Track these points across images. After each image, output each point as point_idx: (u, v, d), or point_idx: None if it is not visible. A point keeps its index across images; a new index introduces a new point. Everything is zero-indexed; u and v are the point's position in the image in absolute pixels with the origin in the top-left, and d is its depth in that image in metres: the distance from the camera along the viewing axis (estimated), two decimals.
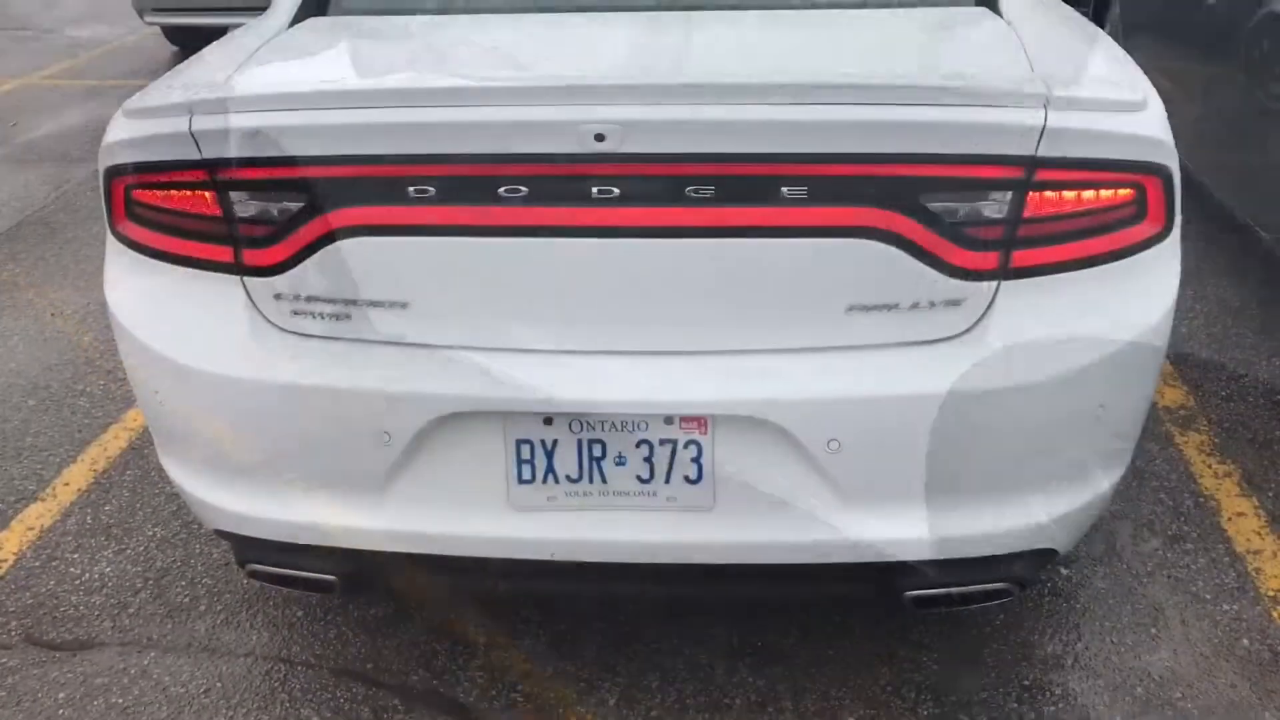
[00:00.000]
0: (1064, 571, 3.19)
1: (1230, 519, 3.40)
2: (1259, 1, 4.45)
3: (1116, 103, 2.19)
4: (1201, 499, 3.49)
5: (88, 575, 3.30)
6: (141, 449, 3.93)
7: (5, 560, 3.38)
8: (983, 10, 2.78)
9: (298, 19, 2.94)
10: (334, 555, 2.43)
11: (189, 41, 9.31)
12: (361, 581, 2.51)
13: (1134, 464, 3.50)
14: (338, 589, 2.49)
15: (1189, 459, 3.69)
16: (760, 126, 2.09)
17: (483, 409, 2.24)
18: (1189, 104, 4.85)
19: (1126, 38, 6.03)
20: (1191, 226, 5.13)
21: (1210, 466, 3.66)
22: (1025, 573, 2.43)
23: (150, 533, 3.49)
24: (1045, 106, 2.10)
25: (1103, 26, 6.66)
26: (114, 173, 2.37)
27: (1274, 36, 4.29)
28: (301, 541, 2.43)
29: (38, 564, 3.36)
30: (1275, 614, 3.01)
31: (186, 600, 3.20)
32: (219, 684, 2.91)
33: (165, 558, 3.37)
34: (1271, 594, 3.09)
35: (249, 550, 2.52)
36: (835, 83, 2.14)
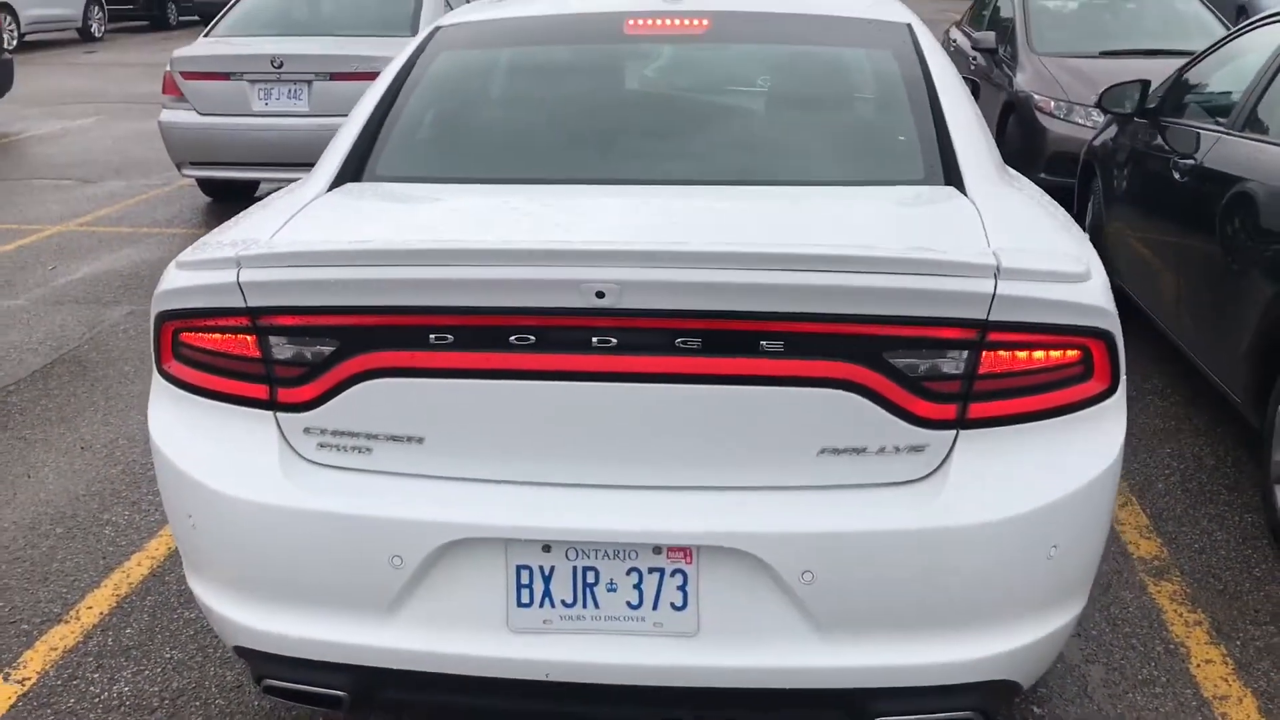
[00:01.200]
0: (1037, 710, 3.33)
1: (1199, 665, 3.56)
2: (1228, 180, 4.79)
3: (1061, 274, 2.46)
4: (1172, 645, 3.65)
5: (106, 694, 3.47)
6: (163, 575, 4.12)
7: (29, 678, 3.55)
8: (950, 189, 3.09)
9: (336, 184, 3.27)
10: (345, 672, 2.62)
11: (220, 193, 9.82)
12: (370, 698, 2.69)
13: (1108, 611, 3.71)
14: (346, 705, 2.67)
15: (1161, 607, 3.86)
16: (743, 289, 2.36)
17: (486, 535, 2.46)
18: (1166, 272, 5.16)
19: (1108, 209, 6.39)
20: (1172, 390, 5.41)
21: (1181, 615, 3.83)
22: (989, 704, 2.59)
23: (168, 655, 3.66)
24: (995, 276, 2.37)
25: (1087, 200, 7.05)
26: (165, 317, 2.65)
27: (1244, 212, 4.61)
28: (315, 658, 2.62)
29: (59, 683, 3.53)
30: None
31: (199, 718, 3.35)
32: None
33: (181, 679, 3.53)
34: None
35: (265, 666, 2.71)
36: (810, 253, 2.42)
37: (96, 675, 3.56)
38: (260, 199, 3.32)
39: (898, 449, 2.44)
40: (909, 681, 2.50)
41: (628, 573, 2.49)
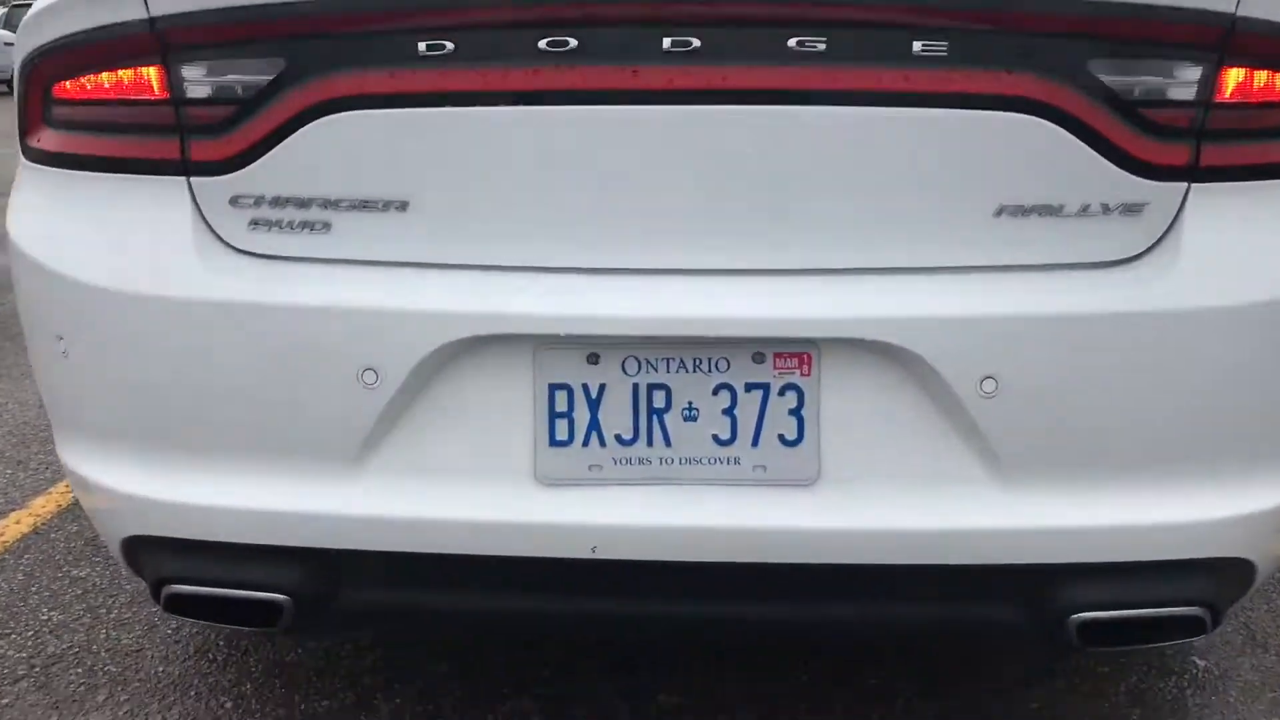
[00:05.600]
0: (1199, 663, 2.54)
1: None
2: None
3: None
4: None
5: None
6: (48, 533, 3.24)
7: None
8: None
9: None
10: (289, 561, 1.77)
11: None
12: (324, 604, 1.82)
13: None
14: (289, 616, 1.80)
15: None
16: None
17: (504, 332, 1.64)
18: None
19: None
20: None
21: None
22: (1219, 596, 1.80)
23: (45, 617, 2.76)
24: None
25: None
26: (34, 61, 1.81)
27: None
28: (244, 541, 1.77)
29: None
30: None
31: (81, 690, 2.46)
32: None
33: (59, 643, 2.64)
34: None
35: (167, 563, 1.84)
36: None
37: None
38: None
39: (1107, 208, 1.67)
40: (1119, 554, 1.71)
41: (714, 391, 1.68)
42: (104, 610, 2.78)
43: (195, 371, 1.73)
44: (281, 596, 1.79)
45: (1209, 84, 1.66)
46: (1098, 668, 2.49)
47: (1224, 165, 1.69)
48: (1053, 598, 1.73)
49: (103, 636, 2.67)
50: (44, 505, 3.43)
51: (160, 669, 2.53)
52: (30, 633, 2.69)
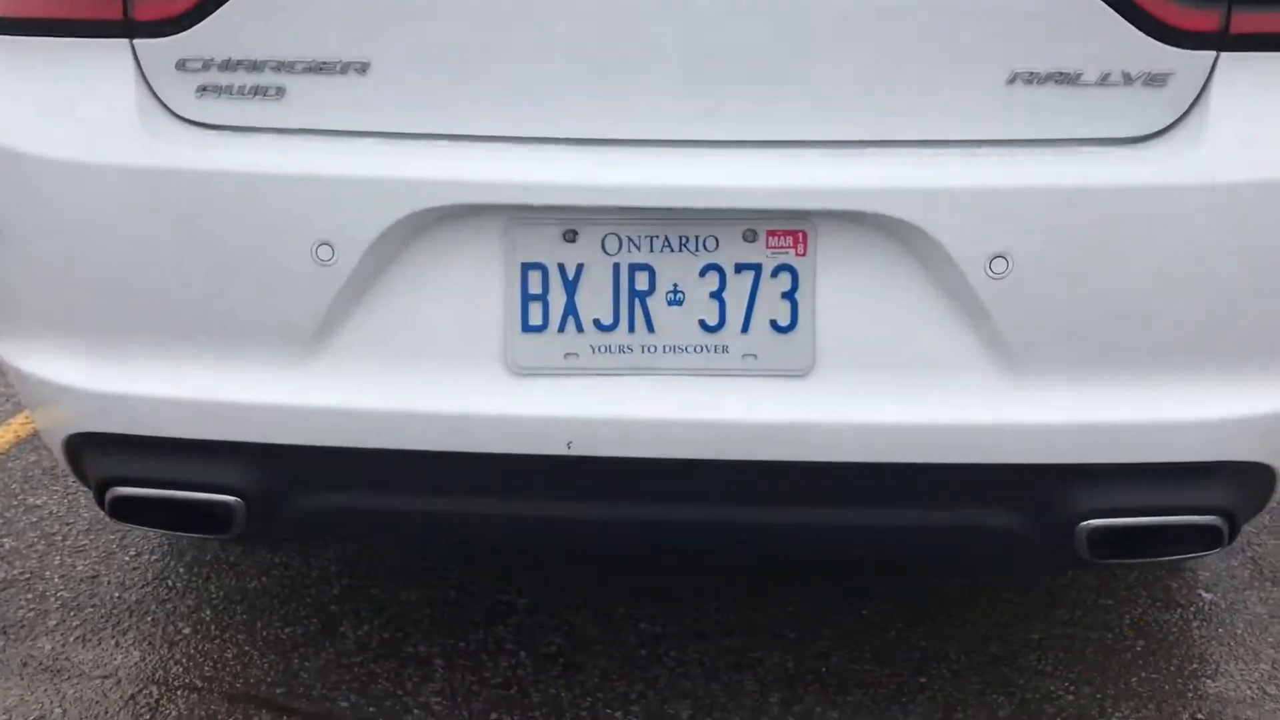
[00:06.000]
0: (1206, 595, 2.43)
1: None
2: None
3: None
4: None
5: None
6: (4, 463, 3.08)
7: None
8: None
9: None
10: (239, 458, 1.64)
11: None
12: (278, 507, 1.68)
13: None
14: (241, 520, 1.67)
15: None
16: None
17: (472, 201, 1.50)
18: None
19: None
20: None
21: None
22: (1240, 505, 1.68)
23: None
24: None
25: None
26: None
27: None
28: (191, 436, 1.63)
29: None
30: None
31: (30, 615, 2.34)
32: (58, 709, 2.03)
33: (10, 570, 2.51)
34: None
35: (111, 464, 1.70)
36: None
37: None
38: None
39: (1129, 78, 1.53)
40: (1133, 455, 1.59)
41: (701, 272, 1.55)
42: (59, 538, 2.65)
43: (139, 250, 1.60)
44: (232, 498, 1.65)
45: None
46: (1101, 600, 2.38)
47: (1256, 33, 1.56)
48: (1062, 502, 1.61)
49: (56, 563, 2.54)
50: (1, 435, 3.28)
51: (116, 595, 2.40)
52: None
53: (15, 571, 2.50)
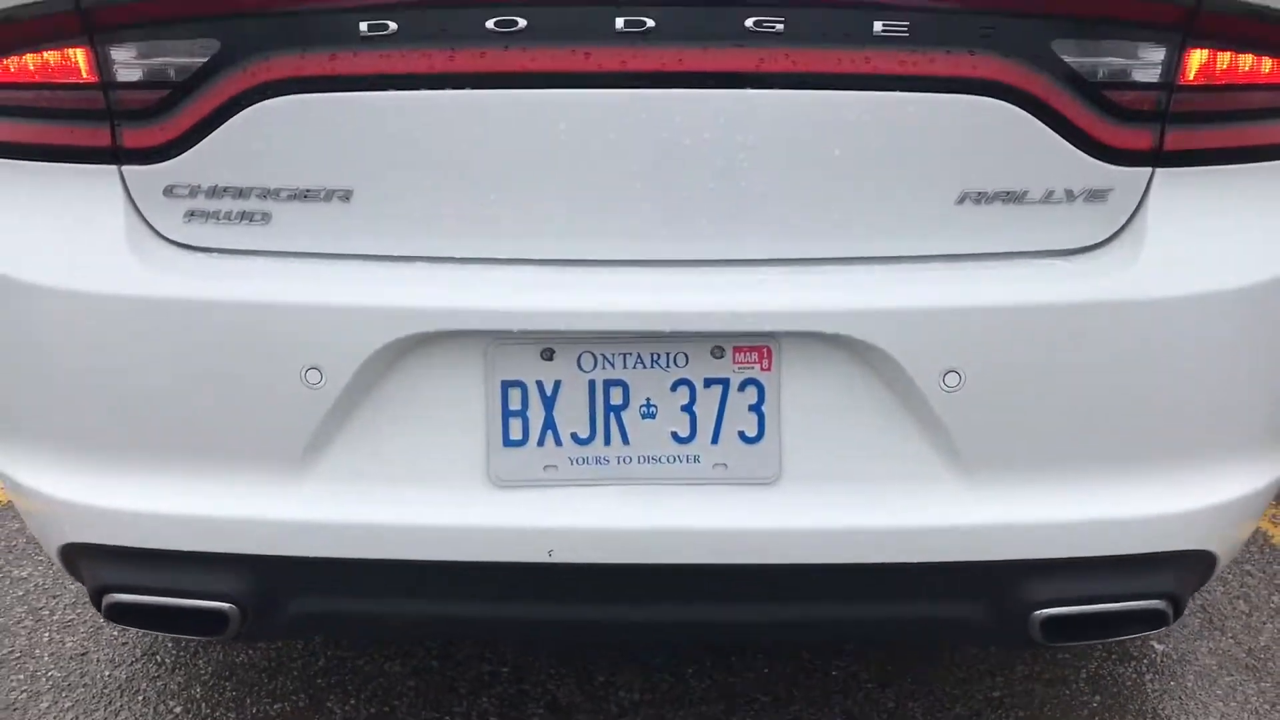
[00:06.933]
0: (1158, 646, 2.54)
1: None
2: None
3: None
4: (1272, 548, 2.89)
5: None
6: None
7: None
8: None
9: None
10: (234, 569, 1.71)
11: None
12: (272, 611, 1.75)
13: None
14: (235, 625, 1.74)
15: None
16: None
17: (455, 328, 1.58)
18: None
19: None
20: None
21: None
22: (1181, 588, 1.78)
23: None
24: None
25: None
26: None
27: None
28: (186, 548, 1.70)
29: None
30: None
31: (24, 697, 2.39)
32: None
33: (1, 648, 2.55)
34: None
35: (107, 572, 1.77)
36: None
37: None
38: None
39: (1071, 194, 1.63)
40: (1083, 549, 1.69)
41: (673, 387, 1.63)
42: (46, 612, 2.70)
43: (131, 372, 1.66)
44: (227, 605, 1.72)
45: (1173, 65, 1.63)
46: (1058, 655, 2.48)
47: (1189, 149, 1.66)
48: (1016, 594, 1.71)
49: (45, 639, 2.59)
50: None
51: (106, 673, 2.46)
52: None
53: (5, 650, 2.55)
